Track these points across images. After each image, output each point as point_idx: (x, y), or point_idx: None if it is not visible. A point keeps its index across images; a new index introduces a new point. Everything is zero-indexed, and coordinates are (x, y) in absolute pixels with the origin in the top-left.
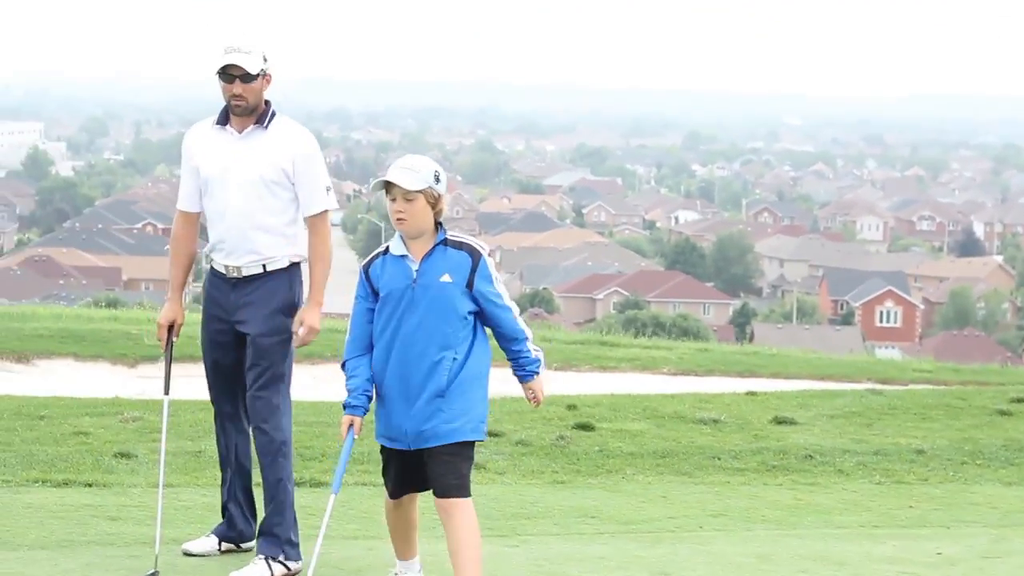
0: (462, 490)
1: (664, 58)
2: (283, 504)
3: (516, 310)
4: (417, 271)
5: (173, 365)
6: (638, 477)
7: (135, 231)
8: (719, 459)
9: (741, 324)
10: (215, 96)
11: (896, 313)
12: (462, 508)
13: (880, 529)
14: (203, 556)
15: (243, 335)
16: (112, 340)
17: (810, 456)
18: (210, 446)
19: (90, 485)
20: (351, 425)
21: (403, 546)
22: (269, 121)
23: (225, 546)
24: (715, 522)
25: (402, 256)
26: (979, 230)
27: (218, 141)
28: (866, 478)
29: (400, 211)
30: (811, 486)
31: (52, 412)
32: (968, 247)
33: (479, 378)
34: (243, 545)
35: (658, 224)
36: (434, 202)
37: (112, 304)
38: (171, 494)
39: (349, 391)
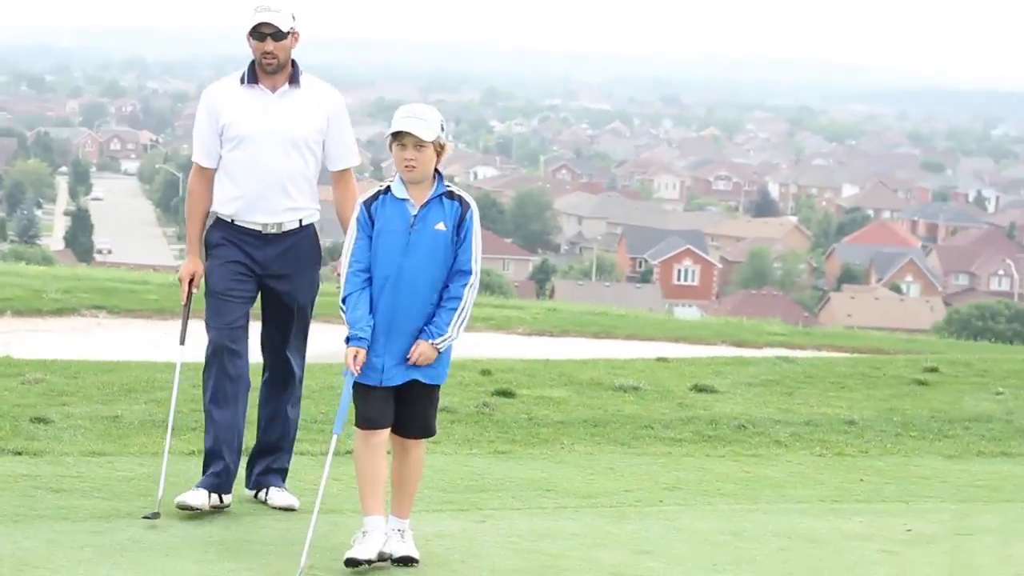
0: (427, 432)
1: (460, 12)
2: (292, 445)
3: (473, 278)
4: (416, 216)
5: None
6: (577, 447)
7: None
8: (651, 428)
9: (541, 280)
10: (10, 42)
11: (694, 272)
12: (420, 445)
13: (840, 504)
14: (199, 509)
15: (260, 284)
16: None
17: (743, 427)
18: (127, 411)
19: (19, 453)
20: (354, 358)
21: (373, 496)
22: (300, 80)
23: (213, 498)
24: (673, 496)
25: (403, 199)
26: (774, 191)
27: (252, 100)
28: (806, 450)
29: (411, 159)
30: (754, 458)
31: None
32: (763, 208)
33: None
34: (225, 498)
35: (457, 179)
36: (440, 151)
37: None
38: (105, 463)
39: (352, 323)
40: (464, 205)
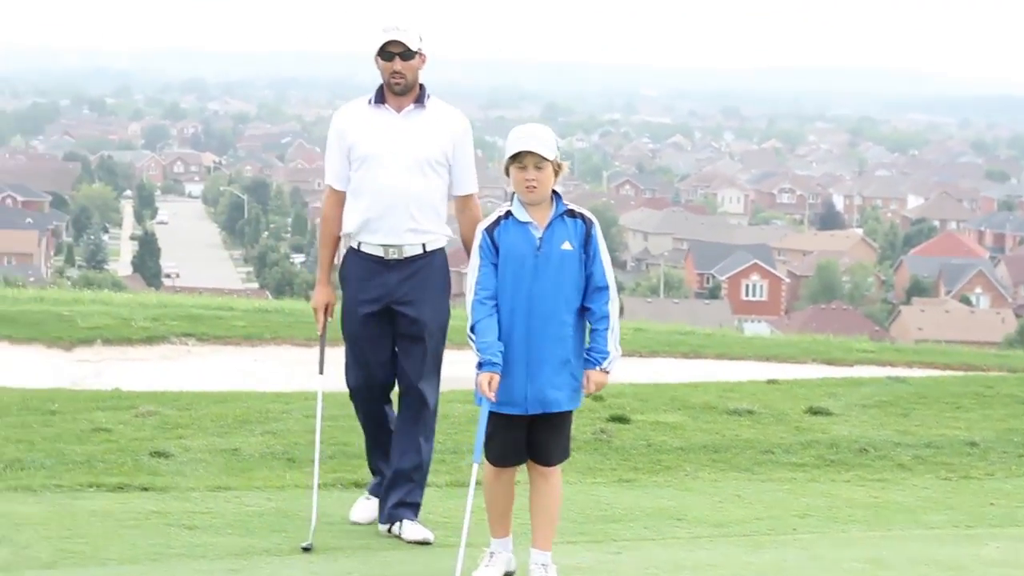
0: (565, 456)
1: (520, 29)
2: (425, 478)
3: (613, 293)
4: (541, 238)
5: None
6: (701, 474)
7: None
8: (772, 453)
9: None
10: (70, 65)
11: (762, 287)
12: (559, 472)
13: (974, 529)
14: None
15: (392, 313)
16: (45, 322)
17: (864, 450)
18: (244, 443)
19: (146, 489)
20: (489, 384)
21: (501, 522)
22: (426, 101)
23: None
24: (805, 523)
25: (526, 223)
26: (839, 203)
27: (377, 120)
28: (931, 473)
29: (532, 179)
30: (880, 482)
31: (61, 407)
32: (829, 220)
33: (584, 346)
34: None
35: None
36: (557, 169)
37: None
38: (233, 497)
39: (483, 349)
40: (588, 222)
